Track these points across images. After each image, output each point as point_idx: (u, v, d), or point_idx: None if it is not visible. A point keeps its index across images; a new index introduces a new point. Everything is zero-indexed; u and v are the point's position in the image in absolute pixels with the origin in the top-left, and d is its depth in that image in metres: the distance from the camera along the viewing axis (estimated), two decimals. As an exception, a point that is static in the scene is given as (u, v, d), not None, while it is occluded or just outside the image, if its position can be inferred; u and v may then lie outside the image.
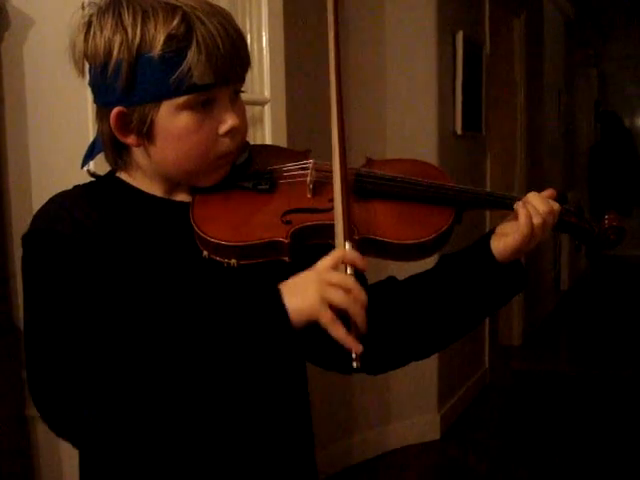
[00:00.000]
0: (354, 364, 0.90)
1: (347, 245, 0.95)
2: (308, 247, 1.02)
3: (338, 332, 0.90)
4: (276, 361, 0.97)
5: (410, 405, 3.67)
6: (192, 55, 0.93)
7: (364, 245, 1.02)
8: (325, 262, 0.94)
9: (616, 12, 8.52)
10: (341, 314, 0.90)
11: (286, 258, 1.00)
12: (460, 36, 3.78)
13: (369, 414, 3.50)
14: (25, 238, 1.00)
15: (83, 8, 1.00)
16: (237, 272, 1.00)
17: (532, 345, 5.43)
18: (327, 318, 0.90)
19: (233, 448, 1.04)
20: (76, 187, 1.07)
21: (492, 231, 1.13)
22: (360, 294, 0.91)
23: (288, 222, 1.01)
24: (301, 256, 1.00)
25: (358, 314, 0.90)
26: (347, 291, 0.91)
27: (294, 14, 2.29)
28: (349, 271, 0.93)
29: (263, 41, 2.13)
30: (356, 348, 0.89)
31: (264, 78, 2.13)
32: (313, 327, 0.94)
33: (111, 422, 0.91)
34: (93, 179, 1.10)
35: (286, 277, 1.04)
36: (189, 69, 0.93)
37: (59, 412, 0.93)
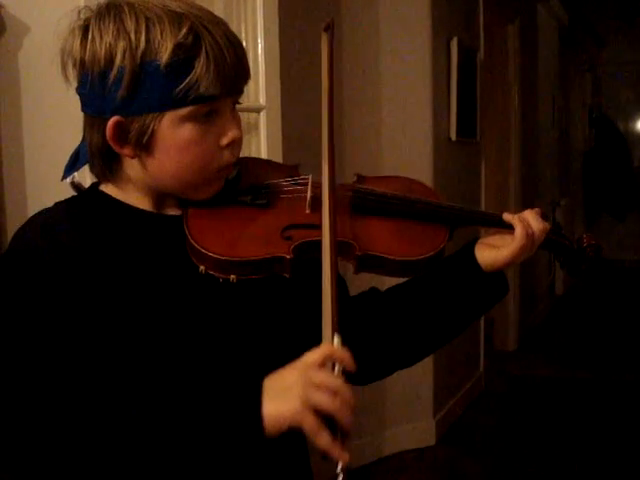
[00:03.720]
0: (340, 477, 0.83)
1: (336, 339, 0.87)
2: (305, 262, 1.00)
3: (323, 441, 0.83)
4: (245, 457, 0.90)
5: (405, 411, 3.66)
6: (200, 66, 0.91)
7: (364, 261, 1.02)
8: (311, 358, 0.86)
9: (610, 18, 8.55)
10: (325, 416, 0.83)
11: (287, 274, 0.98)
12: (455, 42, 3.79)
13: (364, 420, 3.49)
14: (1, 260, 0.96)
15: (79, 15, 0.99)
16: (234, 287, 0.97)
17: (527, 350, 5.43)
18: (311, 425, 0.83)
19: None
20: (58, 204, 1.03)
21: (475, 241, 1.15)
22: (348, 397, 0.85)
23: (288, 238, 0.99)
24: (299, 271, 0.99)
25: (345, 419, 0.84)
26: (334, 394, 0.84)
27: (289, 21, 2.30)
28: (337, 369, 0.86)
29: (259, 48, 2.14)
30: (343, 458, 0.83)
31: (259, 85, 2.14)
32: (306, 339, 0.92)
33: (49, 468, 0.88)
34: (75, 193, 1.06)
35: (283, 292, 1.02)
36: (197, 80, 0.91)
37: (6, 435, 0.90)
